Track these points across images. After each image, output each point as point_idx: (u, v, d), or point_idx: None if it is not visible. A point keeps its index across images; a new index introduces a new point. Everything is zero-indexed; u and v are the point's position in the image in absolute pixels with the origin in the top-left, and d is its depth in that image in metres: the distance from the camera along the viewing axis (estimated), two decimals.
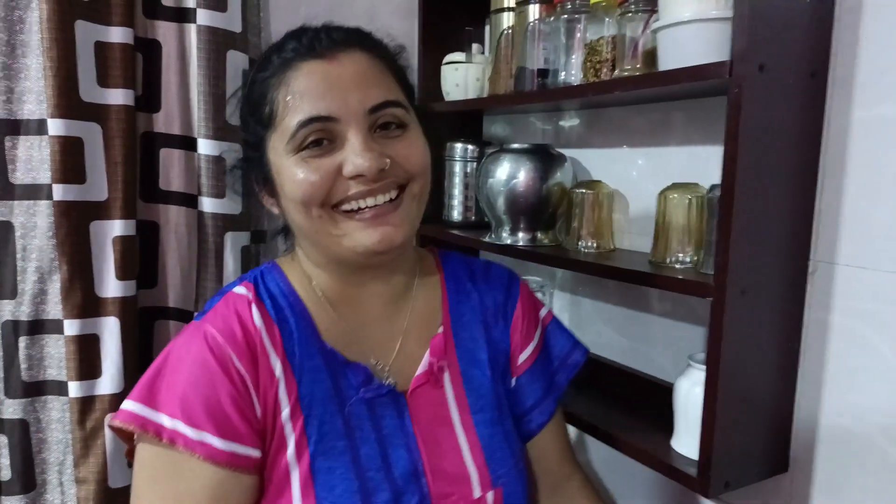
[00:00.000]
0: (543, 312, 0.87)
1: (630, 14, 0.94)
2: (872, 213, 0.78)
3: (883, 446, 0.78)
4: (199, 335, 0.69)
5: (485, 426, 0.75)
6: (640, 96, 0.99)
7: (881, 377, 0.78)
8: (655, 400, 1.01)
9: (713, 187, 0.86)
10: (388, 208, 0.68)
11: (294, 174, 0.67)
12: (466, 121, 1.44)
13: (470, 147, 1.34)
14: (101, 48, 1.22)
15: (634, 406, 1.05)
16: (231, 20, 1.40)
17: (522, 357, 0.82)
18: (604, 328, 1.18)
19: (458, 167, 1.35)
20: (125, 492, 1.25)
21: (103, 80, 1.23)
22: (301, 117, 0.66)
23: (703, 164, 0.98)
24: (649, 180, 1.05)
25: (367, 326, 0.75)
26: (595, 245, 1.07)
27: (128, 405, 0.68)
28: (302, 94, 0.66)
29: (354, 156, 0.65)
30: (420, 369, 0.74)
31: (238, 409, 0.66)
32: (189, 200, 1.43)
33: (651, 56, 0.91)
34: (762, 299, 0.80)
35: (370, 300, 0.76)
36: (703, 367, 0.85)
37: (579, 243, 1.08)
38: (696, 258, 0.91)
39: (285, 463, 0.67)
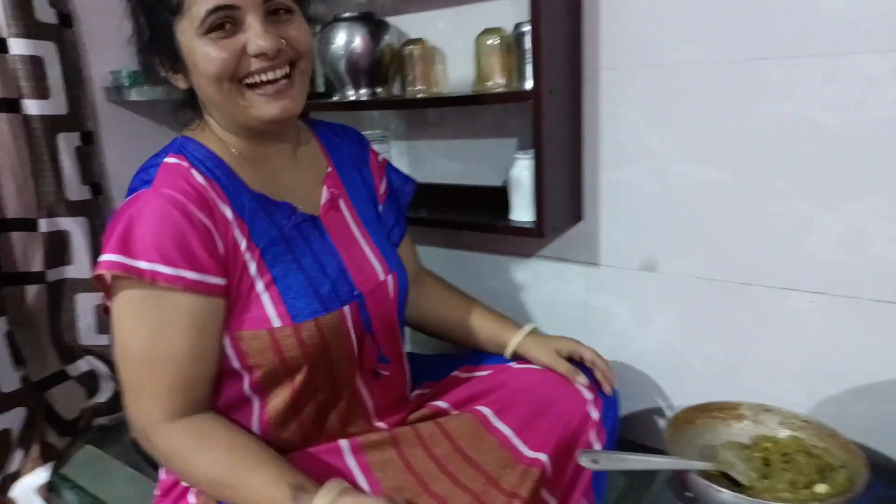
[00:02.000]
0: (381, 159, 1.16)
1: None
2: (625, 27, 1.18)
3: (641, 184, 1.23)
4: (157, 196, 0.81)
5: (375, 235, 1.04)
6: None
7: (639, 143, 1.22)
8: (492, 198, 1.37)
9: (517, 25, 1.20)
10: (285, 85, 0.85)
11: (207, 53, 0.81)
12: None
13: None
14: None
15: (478, 206, 1.41)
16: None
17: (381, 190, 1.11)
18: (439, 160, 1.50)
19: None
20: None
21: None
22: (208, 6, 0.80)
23: (501, 13, 1.31)
24: (462, 34, 1.36)
25: (277, 176, 0.95)
26: (426, 89, 1.37)
27: (107, 257, 0.79)
28: None
29: (256, 38, 0.81)
30: (323, 199, 0.98)
31: (205, 248, 0.82)
32: (9, 105, 1.39)
33: None
34: (561, 98, 1.18)
35: (275, 156, 0.95)
36: (527, 156, 1.23)
37: (412, 89, 1.37)
38: (509, 82, 1.26)
39: (250, 280, 0.86)
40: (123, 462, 1.42)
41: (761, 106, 1.07)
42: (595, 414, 1.01)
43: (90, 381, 1.59)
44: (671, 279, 1.24)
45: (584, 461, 0.84)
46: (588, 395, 1.02)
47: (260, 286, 0.87)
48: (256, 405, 0.91)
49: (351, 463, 0.92)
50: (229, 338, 0.86)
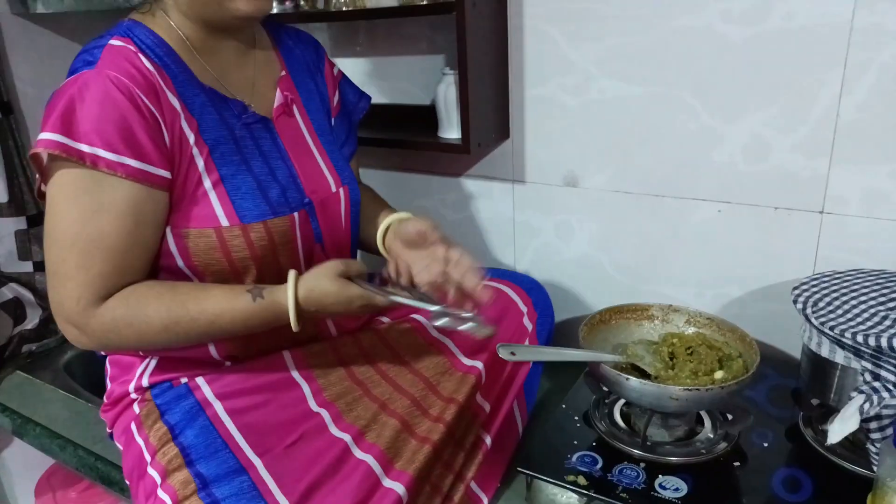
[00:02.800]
0: (336, 71, 1.14)
1: None
2: None
3: (563, 101, 1.26)
4: (101, 77, 0.78)
5: (328, 146, 1.02)
6: None
7: (561, 60, 1.24)
8: (421, 117, 1.38)
9: None
10: None
11: None
12: None
13: None
14: None
15: (408, 124, 1.42)
16: None
17: (334, 102, 1.09)
18: (367, 78, 1.49)
19: None
20: None
21: None
22: None
23: None
24: None
25: (228, 72, 0.92)
26: (351, 4, 1.35)
27: (47, 136, 0.76)
28: None
29: None
30: (276, 102, 0.96)
31: (150, 137, 0.80)
32: None
33: None
34: (484, 9, 1.18)
35: (227, 50, 0.92)
36: (453, 72, 1.23)
37: (337, 2, 1.34)
38: None
39: (198, 177, 0.84)
40: (56, 387, 1.41)
41: (670, 21, 1.11)
42: (529, 325, 1.07)
43: (16, 309, 1.56)
44: (590, 193, 1.29)
45: (503, 353, 0.89)
46: (523, 308, 1.07)
47: (207, 184, 0.85)
48: None
49: (294, 374, 0.94)
50: (172, 235, 0.85)
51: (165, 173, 0.82)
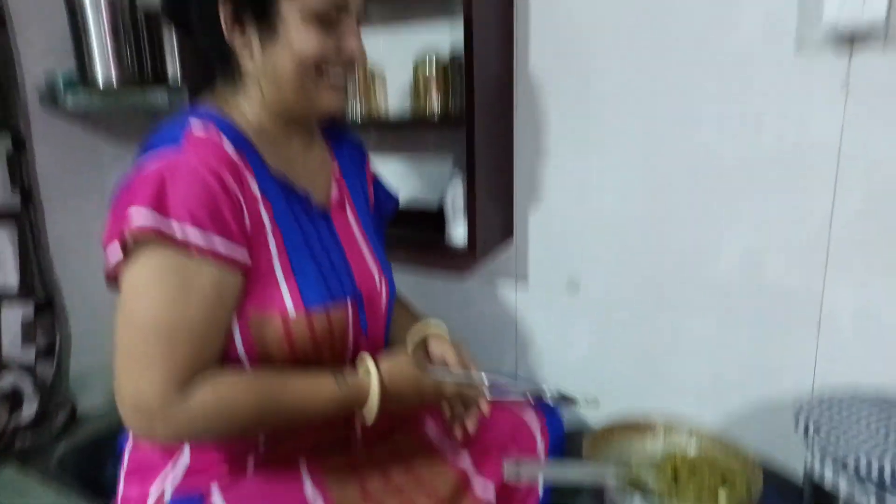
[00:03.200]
0: (373, 169, 1.19)
1: None
2: (552, 63, 1.26)
3: (565, 209, 1.31)
4: (190, 158, 0.77)
5: (372, 240, 1.04)
6: None
7: (563, 168, 1.29)
8: (429, 217, 1.42)
9: (453, 58, 1.27)
10: (345, 83, 0.89)
11: (309, 36, 0.83)
12: None
13: None
14: None
15: (416, 224, 1.46)
16: None
17: (371, 199, 1.12)
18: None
19: None
20: None
21: None
22: None
23: (438, 37, 1.37)
24: (400, 54, 1.41)
25: (293, 163, 0.94)
26: (367, 111, 1.41)
27: (138, 210, 0.73)
28: None
29: (356, 41, 0.87)
30: (333, 195, 0.98)
31: (235, 219, 0.78)
32: None
33: None
34: (492, 124, 1.24)
35: (295, 142, 0.95)
36: (461, 176, 1.28)
37: (353, 108, 1.41)
38: (442, 105, 1.32)
39: (269, 262, 0.84)
40: (49, 484, 1.37)
41: (668, 139, 1.17)
42: (541, 445, 1.06)
43: (13, 398, 1.54)
44: (592, 298, 1.32)
45: (509, 472, 0.89)
46: (536, 427, 1.06)
47: (278, 269, 0.84)
48: None
49: (308, 490, 0.91)
50: (239, 320, 0.83)
51: (247, 258, 0.81)
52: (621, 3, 1.17)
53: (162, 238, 0.73)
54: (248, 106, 0.89)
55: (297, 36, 0.83)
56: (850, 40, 1.00)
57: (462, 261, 1.42)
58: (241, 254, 0.80)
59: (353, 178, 1.06)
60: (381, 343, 1.03)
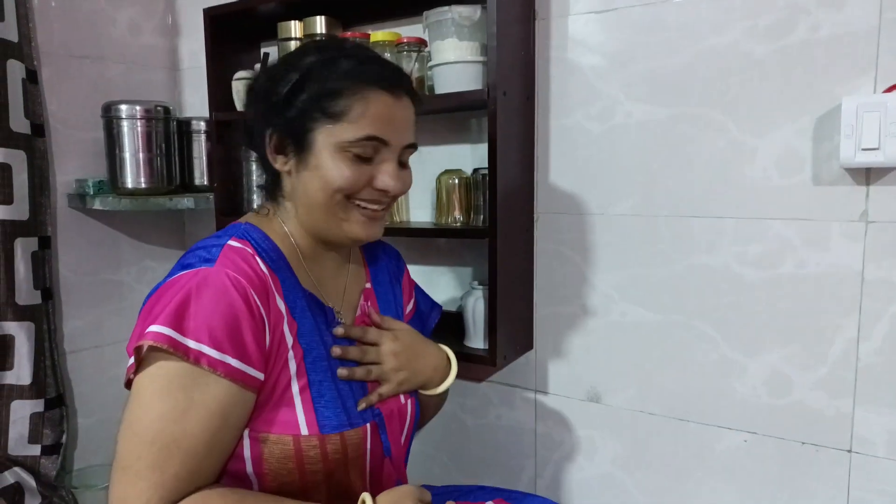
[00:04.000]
0: (410, 279, 1.20)
1: (405, 52, 1.33)
2: (571, 180, 1.31)
3: (585, 321, 1.32)
4: (220, 276, 0.79)
5: None
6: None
7: (582, 282, 1.31)
8: (447, 323, 1.43)
9: (476, 170, 1.31)
10: (379, 213, 0.91)
11: (341, 168, 0.85)
12: None
13: None
14: None
15: (434, 330, 1.46)
16: (8, 30, 1.42)
17: (407, 309, 1.13)
18: None
19: (254, 166, 1.59)
20: None
21: None
22: (369, 132, 0.85)
23: (459, 158, 1.42)
24: (424, 171, 1.46)
25: (326, 280, 0.96)
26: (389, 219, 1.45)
27: (157, 328, 0.75)
28: (375, 116, 0.85)
29: (389, 178, 0.87)
30: (358, 312, 0.99)
31: (254, 338, 0.79)
32: None
33: (419, 83, 1.32)
34: (514, 237, 1.27)
35: (328, 260, 0.97)
36: (481, 287, 1.30)
37: None
38: (464, 220, 1.35)
39: (287, 381, 0.84)
40: None
41: (689, 257, 1.19)
42: None
43: (14, 495, 1.50)
44: (613, 411, 1.30)
45: None
46: None
47: (295, 388, 0.84)
48: None
49: None
50: (249, 438, 0.83)
51: (260, 375, 0.81)
52: (641, 127, 1.22)
53: (175, 349, 0.75)
54: (287, 224, 0.93)
55: (329, 165, 0.86)
56: (867, 174, 1.04)
57: (481, 371, 1.42)
58: (254, 372, 0.80)
59: (385, 292, 1.07)
60: (403, 460, 1.01)
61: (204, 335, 0.76)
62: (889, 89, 0.99)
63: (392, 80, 0.88)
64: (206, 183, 1.72)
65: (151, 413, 0.75)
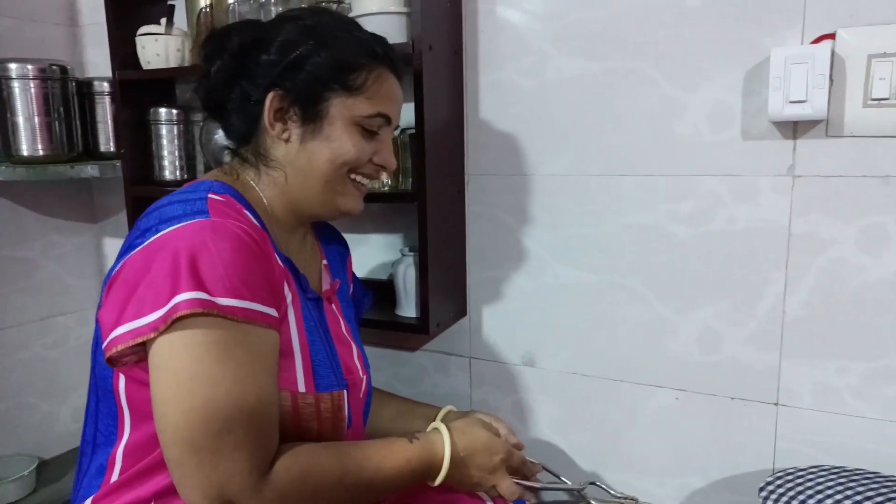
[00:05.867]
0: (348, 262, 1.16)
1: (324, 2, 1.24)
2: (502, 139, 1.26)
3: (519, 284, 1.29)
4: (227, 225, 0.73)
5: (355, 334, 1.03)
6: None
7: (515, 245, 1.28)
8: (379, 293, 1.37)
9: (402, 130, 1.25)
10: (366, 189, 0.94)
11: (353, 141, 0.86)
12: (160, 87, 1.55)
13: (175, 111, 1.48)
14: None
15: None
16: None
17: (350, 293, 1.13)
18: None
19: (164, 129, 1.48)
20: None
21: None
22: (381, 109, 0.87)
23: None
24: None
25: (294, 251, 0.93)
26: None
27: (186, 296, 0.68)
28: (386, 95, 0.88)
29: (388, 154, 0.91)
30: (325, 287, 0.98)
31: (269, 283, 0.76)
32: None
33: None
34: (444, 201, 1.22)
35: (297, 233, 0.95)
36: (412, 254, 1.25)
37: None
38: (392, 184, 1.29)
39: (289, 336, 0.82)
40: None
41: (621, 216, 1.17)
42: None
43: None
44: (548, 374, 1.29)
45: None
46: None
47: (296, 345, 0.83)
48: None
49: None
50: None
51: (276, 315, 0.78)
52: (572, 82, 1.18)
53: (212, 311, 0.69)
54: (266, 189, 0.88)
55: (340, 136, 0.85)
56: (794, 128, 1.03)
57: (414, 339, 1.38)
58: (276, 313, 0.77)
59: (338, 272, 1.07)
60: (361, 436, 0.99)
61: (237, 289, 0.71)
62: (816, 40, 0.98)
63: (397, 61, 0.91)
64: (112, 149, 1.59)
65: (221, 382, 0.69)
